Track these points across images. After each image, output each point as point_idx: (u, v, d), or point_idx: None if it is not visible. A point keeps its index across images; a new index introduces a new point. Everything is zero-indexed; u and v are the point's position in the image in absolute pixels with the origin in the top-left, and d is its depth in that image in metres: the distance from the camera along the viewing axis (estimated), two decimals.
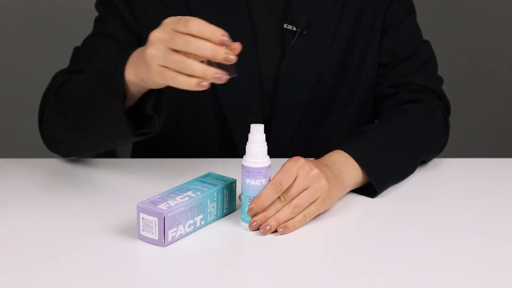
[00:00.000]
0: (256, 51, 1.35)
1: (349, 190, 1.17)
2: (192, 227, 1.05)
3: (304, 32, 1.35)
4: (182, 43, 0.98)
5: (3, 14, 2.54)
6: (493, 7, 2.67)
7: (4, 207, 1.13)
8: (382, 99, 1.42)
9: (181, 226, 1.04)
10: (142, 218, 1.02)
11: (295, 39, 1.35)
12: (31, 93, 2.61)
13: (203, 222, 1.07)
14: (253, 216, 1.05)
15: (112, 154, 1.54)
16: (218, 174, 1.13)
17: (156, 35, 1.00)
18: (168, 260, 1.01)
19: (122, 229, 1.06)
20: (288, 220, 1.06)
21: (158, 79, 1.02)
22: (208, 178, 1.11)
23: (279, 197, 1.06)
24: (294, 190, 1.06)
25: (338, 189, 1.13)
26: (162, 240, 1.02)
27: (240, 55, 1.35)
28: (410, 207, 1.16)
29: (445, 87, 1.44)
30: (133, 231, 1.05)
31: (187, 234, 1.05)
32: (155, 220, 1.01)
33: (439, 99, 1.40)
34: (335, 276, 0.97)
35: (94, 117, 1.16)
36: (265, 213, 1.05)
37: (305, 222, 1.07)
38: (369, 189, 1.18)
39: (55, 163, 1.32)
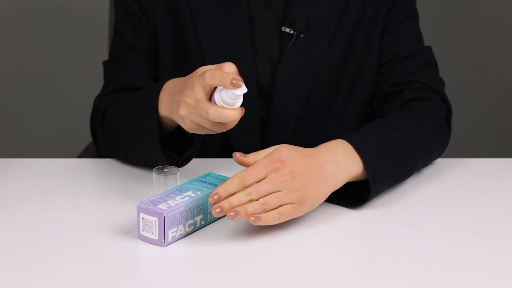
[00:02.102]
0: (254, 50, 1.35)
1: (340, 186, 1.12)
2: (192, 227, 1.05)
3: (302, 35, 1.35)
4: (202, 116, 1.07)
5: (3, 15, 2.54)
6: (493, 7, 2.66)
7: (4, 207, 1.13)
8: (385, 98, 1.39)
9: (181, 226, 1.04)
10: (142, 218, 1.02)
11: (292, 42, 1.35)
12: (32, 93, 2.61)
13: (203, 222, 1.07)
14: (215, 203, 1.03)
15: None
16: (218, 174, 1.13)
17: (184, 100, 1.08)
18: (168, 260, 1.01)
19: (122, 229, 1.06)
20: (261, 213, 1.03)
21: (194, 131, 1.11)
22: (208, 178, 1.11)
23: (245, 191, 1.04)
24: (263, 188, 1.04)
25: (320, 192, 1.09)
26: (162, 240, 1.02)
27: (238, 53, 1.36)
28: (410, 207, 1.16)
29: (445, 86, 1.43)
30: (133, 231, 1.05)
31: (187, 234, 1.05)
32: (155, 220, 1.01)
33: (441, 100, 1.38)
34: (335, 276, 0.97)
35: (138, 152, 1.24)
36: (228, 200, 1.03)
37: (279, 220, 1.04)
38: (364, 189, 1.15)
39: (55, 163, 1.32)
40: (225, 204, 1.02)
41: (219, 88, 1.05)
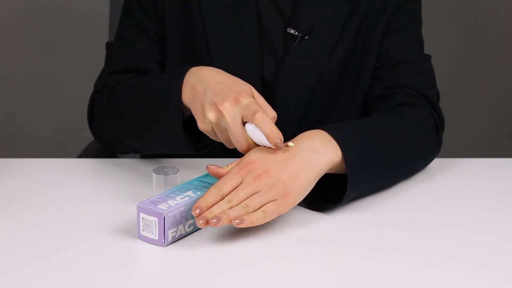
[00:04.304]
0: (260, 49, 1.36)
1: (323, 172, 1.10)
2: (192, 227, 1.06)
3: (306, 38, 1.35)
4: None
5: (3, 14, 2.54)
6: (493, 8, 2.67)
7: (4, 207, 1.13)
8: (375, 101, 1.38)
9: (181, 226, 1.04)
10: (142, 218, 1.03)
11: (295, 43, 1.35)
12: (32, 93, 2.61)
13: None
14: (198, 216, 1.02)
15: (112, 154, 1.54)
16: None
17: (220, 109, 1.09)
18: (168, 260, 1.01)
19: (122, 229, 1.06)
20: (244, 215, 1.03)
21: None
22: (208, 178, 1.11)
23: (225, 199, 1.04)
24: (241, 193, 1.04)
25: (302, 181, 1.07)
26: (162, 240, 1.02)
27: (244, 52, 1.36)
28: (409, 207, 1.16)
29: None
30: (133, 231, 1.05)
31: (187, 234, 1.05)
32: (155, 220, 1.01)
33: (433, 110, 1.34)
34: (334, 276, 0.97)
35: (153, 131, 1.21)
36: (210, 210, 1.02)
37: (264, 219, 1.03)
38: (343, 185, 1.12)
39: (55, 163, 1.32)
40: (207, 214, 1.02)
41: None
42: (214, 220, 1.01)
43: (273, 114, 1.10)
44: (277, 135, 1.06)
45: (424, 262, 1.00)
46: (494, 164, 1.35)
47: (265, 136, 1.06)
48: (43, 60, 2.58)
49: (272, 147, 1.06)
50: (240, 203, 1.03)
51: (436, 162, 1.31)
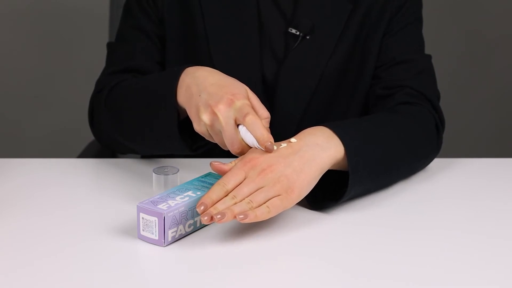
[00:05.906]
0: (261, 49, 1.36)
1: (327, 167, 1.11)
2: (192, 227, 1.06)
3: (307, 37, 1.35)
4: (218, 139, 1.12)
5: (3, 15, 2.54)
6: (493, 8, 2.67)
7: (4, 207, 1.13)
8: (376, 101, 1.38)
9: (181, 226, 1.04)
10: (142, 218, 1.03)
11: (297, 43, 1.35)
12: (32, 93, 2.61)
13: None
14: (202, 213, 1.02)
15: (112, 154, 1.54)
16: (218, 174, 1.13)
17: (214, 111, 1.09)
18: (168, 260, 1.01)
19: (122, 229, 1.06)
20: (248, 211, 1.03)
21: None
22: (208, 178, 1.11)
23: (229, 195, 1.04)
24: (245, 189, 1.04)
25: (306, 176, 1.07)
26: (162, 240, 1.02)
27: (245, 52, 1.36)
28: (409, 207, 1.16)
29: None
30: (133, 231, 1.05)
31: (187, 234, 1.05)
32: (155, 220, 1.01)
33: (433, 109, 1.34)
34: (335, 276, 0.97)
35: (149, 132, 1.21)
36: (215, 206, 1.02)
37: (269, 214, 1.03)
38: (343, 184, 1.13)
39: (55, 163, 1.32)
40: (212, 210, 1.02)
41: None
42: (219, 216, 1.00)
43: (266, 114, 1.10)
44: (267, 138, 1.06)
45: (424, 262, 1.00)
46: (494, 164, 1.35)
47: (255, 139, 1.06)
48: (43, 60, 2.58)
49: (263, 149, 1.07)
50: (244, 199, 1.03)
51: (436, 162, 1.31)
